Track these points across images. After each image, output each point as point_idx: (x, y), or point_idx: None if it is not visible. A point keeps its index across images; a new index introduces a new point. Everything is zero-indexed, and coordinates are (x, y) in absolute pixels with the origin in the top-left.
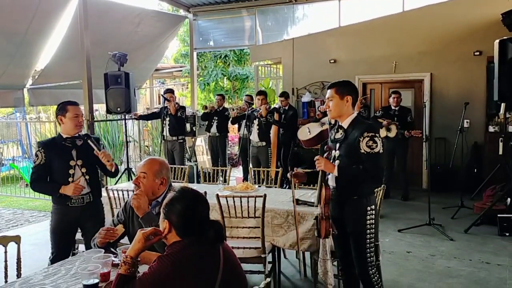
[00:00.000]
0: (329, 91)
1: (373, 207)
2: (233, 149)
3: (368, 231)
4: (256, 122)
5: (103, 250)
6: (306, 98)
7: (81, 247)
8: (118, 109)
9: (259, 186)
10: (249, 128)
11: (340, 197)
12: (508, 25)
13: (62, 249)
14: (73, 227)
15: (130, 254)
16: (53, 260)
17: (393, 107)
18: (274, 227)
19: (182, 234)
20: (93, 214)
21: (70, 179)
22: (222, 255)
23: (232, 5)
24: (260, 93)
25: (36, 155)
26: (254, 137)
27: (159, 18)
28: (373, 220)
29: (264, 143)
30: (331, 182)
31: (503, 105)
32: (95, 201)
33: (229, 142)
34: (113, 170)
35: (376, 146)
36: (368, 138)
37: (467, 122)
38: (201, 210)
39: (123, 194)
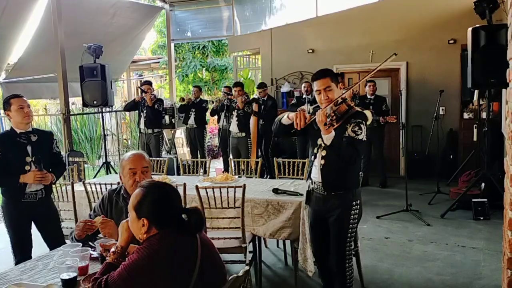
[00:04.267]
0: (321, 80)
1: (358, 201)
2: (213, 140)
3: (351, 225)
4: (235, 113)
5: (80, 244)
6: (285, 88)
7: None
8: (95, 102)
9: (239, 177)
10: (228, 119)
11: (325, 191)
12: (480, 13)
13: (21, 238)
14: (27, 221)
15: (121, 244)
16: (16, 254)
17: (368, 96)
18: (254, 216)
19: (160, 227)
20: (47, 210)
21: None
22: (199, 244)
23: None
24: (237, 84)
25: None
26: (234, 128)
27: (135, 9)
28: (357, 215)
29: (243, 134)
30: (316, 177)
31: (476, 92)
32: (47, 198)
33: (209, 133)
34: (53, 180)
35: (361, 133)
36: (355, 123)
37: (442, 109)
38: (172, 199)
39: (100, 188)
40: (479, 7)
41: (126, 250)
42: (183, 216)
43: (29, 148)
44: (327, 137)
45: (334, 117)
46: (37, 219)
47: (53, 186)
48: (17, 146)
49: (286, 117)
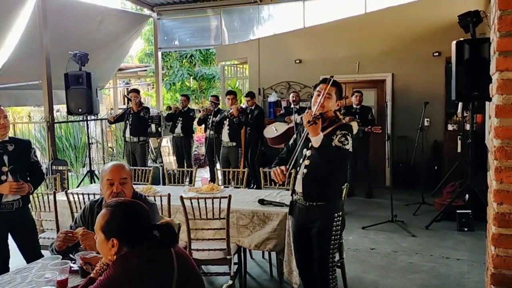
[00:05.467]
0: (327, 85)
1: (340, 213)
2: (200, 149)
3: (333, 237)
4: (227, 122)
5: (60, 257)
6: (273, 98)
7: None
8: (80, 110)
9: (226, 187)
10: (219, 129)
11: (306, 201)
12: (464, 26)
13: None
14: (4, 232)
15: (106, 261)
16: None
17: (354, 106)
18: (240, 228)
19: (131, 246)
20: (24, 220)
21: None
22: (175, 259)
23: (197, 5)
24: (230, 92)
25: None
26: (225, 137)
27: (122, 16)
28: (339, 227)
29: (234, 143)
30: (298, 188)
31: (460, 104)
32: (24, 208)
33: (196, 142)
34: (30, 191)
35: (347, 143)
36: (341, 135)
37: (427, 120)
38: (141, 216)
39: (83, 198)
40: (463, 21)
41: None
42: (155, 232)
43: (5, 158)
44: (316, 139)
45: (319, 117)
46: (14, 229)
47: (31, 196)
48: None
49: (272, 174)
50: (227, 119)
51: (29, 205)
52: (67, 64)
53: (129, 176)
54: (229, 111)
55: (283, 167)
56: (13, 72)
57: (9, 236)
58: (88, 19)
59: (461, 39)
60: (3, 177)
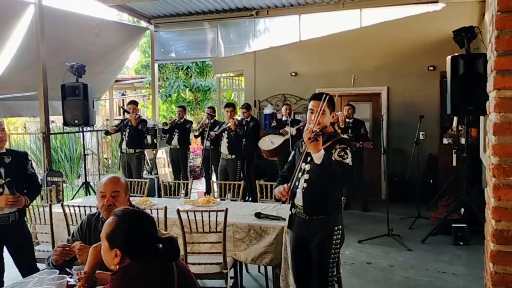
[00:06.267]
0: (318, 102)
1: (340, 227)
2: (195, 160)
3: (333, 251)
4: (225, 135)
5: (57, 271)
6: (268, 110)
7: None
8: (76, 121)
9: (222, 199)
10: (217, 141)
11: (307, 215)
12: (459, 42)
13: None
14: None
15: (86, 269)
16: None
17: (347, 120)
18: (236, 241)
19: (134, 258)
20: (20, 233)
21: None
22: (176, 273)
23: (194, 18)
24: (228, 105)
25: None
26: (224, 149)
27: (119, 28)
28: (339, 240)
29: (233, 156)
30: (298, 201)
31: (455, 118)
32: (20, 220)
33: (191, 153)
34: (27, 203)
35: (347, 157)
36: (340, 149)
37: (422, 134)
38: (146, 228)
39: (79, 210)
40: (458, 36)
41: (91, 276)
42: (158, 245)
43: (1, 170)
44: (317, 156)
45: (320, 133)
46: (9, 242)
47: (27, 208)
48: None
49: (275, 193)
50: (226, 132)
51: (25, 218)
52: (64, 75)
53: (123, 189)
54: (228, 124)
55: (285, 185)
56: (9, 83)
57: (4, 250)
58: (85, 31)
59: (456, 54)
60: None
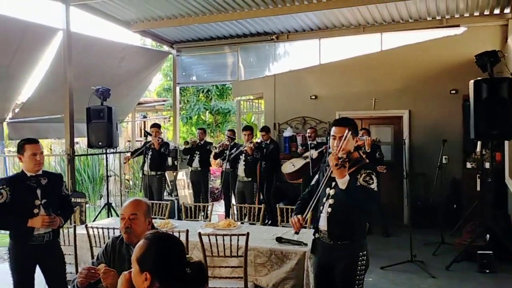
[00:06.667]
0: (340, 128)
1: (365, 252)
2: (215, 182)
3: (358, 277)
4: (242, 157)
5: None
6: (288, 133)
7: None
8: (100, 143)
9: (242, 223)
10: (235, 163)
11: (331, 240)
12: (482, 66)
13: (23, 282)
14: (32, 264)
15: None
16: None
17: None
18: (257, 266)
19: (163, 282)
20: (53, 253)
21: None
22: None
23: (215, 42)
24: (246, 128)
25: (0, 193)
26: (241, 172)
27: (143, 53)
28: (364, 266)
29: (250, 179)
30: (323, 226)
31: (479, 143)
32: (54, 240)
33: (211, 175)
34: (61, 224)
35: (373, 182)
36: (366, 174)
37: (445, 158)
38: (176, 252)
39: (103, 232)
40: (481, 60)
41: None
42: (187, 269)
43: (38, 192)
44: (343, 181)
45: (347, 159)
46: (43, 262)
47: (61, 228)
48: (27, 189)
49: (290, 221)
50: (243, 155)
51: (58, 239)
52: (89, 98)
53: (142, 213)
54: (245, 147)
55: (300, 217)
56: (36, 106)
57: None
58: (110, 56)
59: (479, 78)
60: (36, 210)
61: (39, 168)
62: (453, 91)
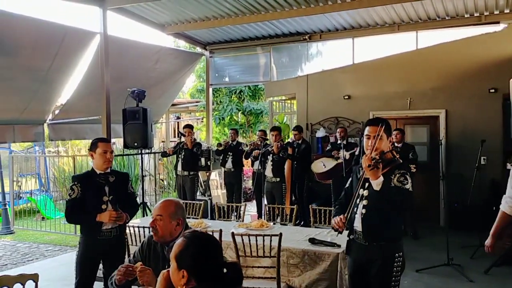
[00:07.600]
0: (374, 127)
1: (401, 253)
2: (247, 183)
3: (393, 278)
4: (270, 158)
5: None
6: (321, 133)
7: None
8: (135, 144)
9: (274, 223)
10: (264, 163)
11: (366, 241)
12: None
13: (86, 277)
14: (97, 259)
15: None
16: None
17: (396, 144)
18: (290, 267)
19: (199, 280)
20: (117, 248)
21: None
22: None
23: (247, 43)
24: (274, 129)
25: (72, 189)
26: (268, 172)
27: (177, 55)
28: (400, 268)
29: (278, 179)
30: (358, 226)
31: None
32: (121, 236)
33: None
34: (127, 220)
35: (407, 183)
36: (400, 174)
37: (484, 159)
38: (213, 251)
39: (138, 231)
40: None
41: None
42: (224, 270)
43: (106, 188)
44: (376, 183)
45: (380, 160)
46: (108, 257)
47: (127, 225)
48: (96, 186)
49: (332, 223)
50: (270, 155)
51: (125, 235)
52: (125, 100)
53: (167, 214)
54: (272, 147)
55: (342, 217)
56: (75, 108)
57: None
58: (145, 58)
59: None
60: (103, 206)
61: (108, 165)
62: (492, 90)
